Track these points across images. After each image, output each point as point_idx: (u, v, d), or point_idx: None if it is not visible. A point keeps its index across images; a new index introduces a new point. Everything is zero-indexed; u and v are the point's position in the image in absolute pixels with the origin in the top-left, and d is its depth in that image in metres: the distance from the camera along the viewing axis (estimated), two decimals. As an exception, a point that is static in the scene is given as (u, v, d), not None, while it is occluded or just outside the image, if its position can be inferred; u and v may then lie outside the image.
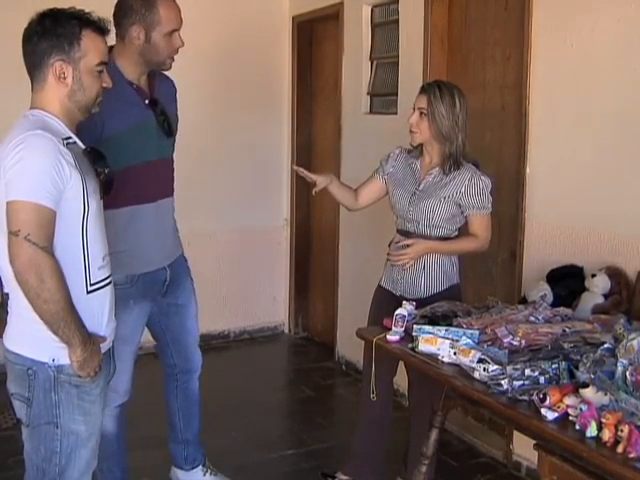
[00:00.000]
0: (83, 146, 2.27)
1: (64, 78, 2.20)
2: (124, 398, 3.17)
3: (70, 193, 2.14)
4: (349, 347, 5.05)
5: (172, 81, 3.22)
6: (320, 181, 3.30)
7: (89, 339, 2.21)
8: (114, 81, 2.54)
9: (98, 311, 2.29)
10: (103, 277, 2.30)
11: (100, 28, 2.26)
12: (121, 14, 2.88)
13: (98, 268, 2.27)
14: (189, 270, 3.36)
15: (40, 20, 2.22)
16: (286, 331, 6.07)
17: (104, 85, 2.30)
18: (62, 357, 2.20)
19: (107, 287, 2.33)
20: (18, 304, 2.18)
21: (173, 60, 3.00)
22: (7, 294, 2.24)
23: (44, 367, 2.20)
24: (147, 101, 2.99)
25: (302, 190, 5.87)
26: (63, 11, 2.24)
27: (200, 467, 3.52)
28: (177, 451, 3.51)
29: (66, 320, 2.13)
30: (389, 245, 3.32)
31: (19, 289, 2.12)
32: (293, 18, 5.73)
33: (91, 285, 2.25)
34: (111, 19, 2.21)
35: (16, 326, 2.24)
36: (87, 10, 2.26)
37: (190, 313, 3.36)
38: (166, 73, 3.15)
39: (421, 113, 3.16)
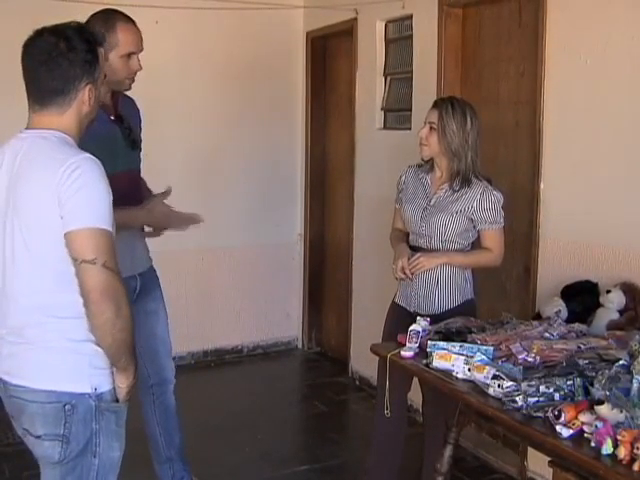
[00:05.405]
0: None
1: (89, 99, 2.14)
2: None
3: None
4: (363, 362, 5.04)
5: (133, 100, 3.33)
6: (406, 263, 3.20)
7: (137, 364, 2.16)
8: None
9: None
10: None
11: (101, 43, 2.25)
12: None
13: None
14: (158, 280, 3.38)
15: (59, 42, 2.08)
16: (299, 346, 6.07)
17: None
18: (103, 384, 2.11)
19: None
20: (48, 336, 2.06)
21: (132, 81, 3.09)
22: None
23: (84, 398, 2.08)
24: (112, 117, 3.10)
25: (316, 205, 5.89)
26: (83, 29, 2.16)
27: None
28: (163, 472, 3.41)
29: (130, 347, 2.07)
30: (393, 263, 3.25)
31: (52, 319, 2.03)
32: (307, 34, 5.76)
33: None
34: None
35: (44, 361, 2.08)
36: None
37: (160, 320, 3.35)
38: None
39: (431, 127, 3.17)
